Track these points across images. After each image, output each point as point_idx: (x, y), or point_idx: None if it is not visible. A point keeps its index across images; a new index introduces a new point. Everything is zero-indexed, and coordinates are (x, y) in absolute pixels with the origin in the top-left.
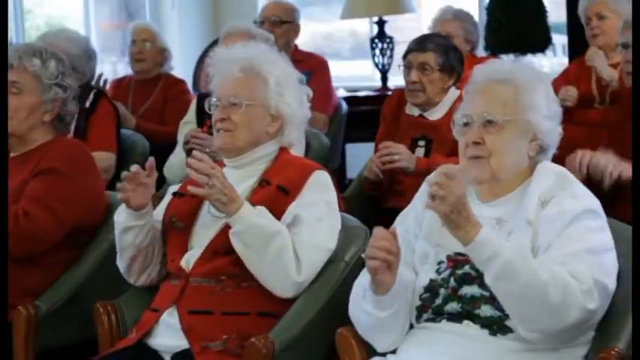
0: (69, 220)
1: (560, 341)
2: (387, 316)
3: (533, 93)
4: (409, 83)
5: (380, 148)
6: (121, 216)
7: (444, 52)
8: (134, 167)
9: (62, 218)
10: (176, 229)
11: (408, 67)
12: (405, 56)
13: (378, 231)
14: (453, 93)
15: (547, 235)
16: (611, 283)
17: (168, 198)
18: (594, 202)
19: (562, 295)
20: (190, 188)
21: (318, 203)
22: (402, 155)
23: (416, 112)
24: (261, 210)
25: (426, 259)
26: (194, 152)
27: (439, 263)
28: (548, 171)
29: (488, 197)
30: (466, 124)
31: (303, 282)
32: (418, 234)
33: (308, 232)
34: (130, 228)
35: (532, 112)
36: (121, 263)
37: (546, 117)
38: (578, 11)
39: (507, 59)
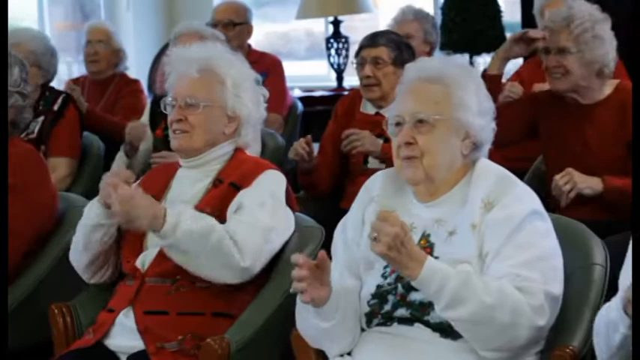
0: (28, 235)
1: (517, 355)
2: (332, 326)
3: (464, 90)
4: (363, 78)
5: (343, 136)
6: (92, 211)
7: (397, 47)
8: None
9: (22, 235)
10: (131, 231)
11: (361, 64)
12: (357, 54)
13: (296, 258)
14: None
15: (496, 241)
16: (560, 288)
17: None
18: (538, 203)
19: (510, 314)
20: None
21: (263, 193)
22: (365, 139)
23: (372, 110)
24: (184, 213)
25: (371, 265)
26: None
27: (384, 267)
28: (488, 172)
29: (426, 198)
30: (398, 124)
31: (250, 267)
32: (359, 241)
33: (245, 215)
34: (102, 225)
35: (463, 110)
36: (82, 259)
37: (478, 114)
38: (533, 11)
39: (437, 57)
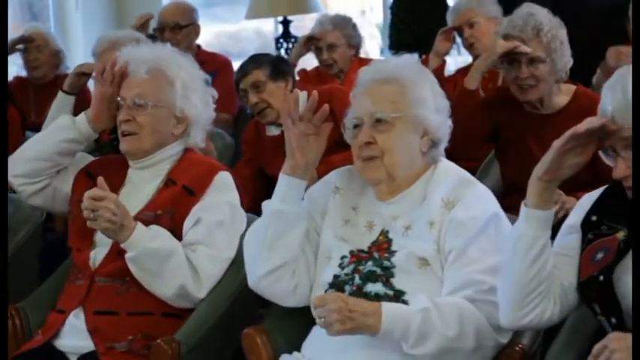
0: None
1: None
2: (284, 215)
3: (419, 88)
4: (252, 107)
5: None
6: (69, 131)
7: (268, 63)
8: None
9: None
10: (83, 218)
11: (245, 96)
12: (237, 88)
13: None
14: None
15: (460, 240)
16: None
17: (76, 167)
18: (497, 204)
19: (475, 340)
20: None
21: (221, 205)
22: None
23: (276, 130)
24: (156, 230)
25: (329, 254)
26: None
27: (342, 258)
28: (450, 172)
29: (386, 196)
30: (356, 126)
31: (204, 296)
32: (320, 229)
33: (206, 243)
34: (72, 129)
35: (420, 107)
36: (26, 154)
37: (434, 110)
38: (449, 23)
39: (390, 58)
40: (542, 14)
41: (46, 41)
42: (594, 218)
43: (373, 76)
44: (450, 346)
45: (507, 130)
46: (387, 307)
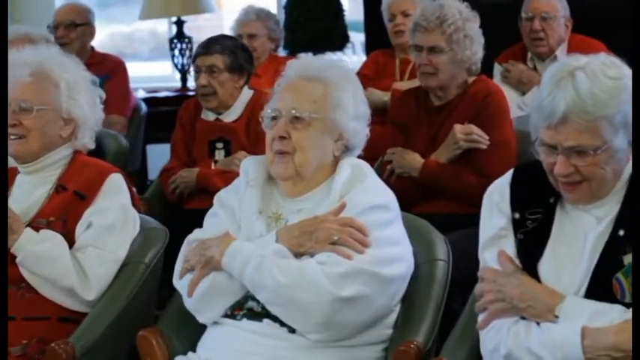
0: None
1: (348, 336)
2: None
3: (343, 92)
4: (200, 87)
5: (168, 184)
6: None
7: (231, 53)
8: None
9: None
10: None
11: (197, 72)
12: (193, 60)
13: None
14: (246, 93)
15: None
16: (388, 272)
17: None
18: (385, 198)
19: (311, 292)
20: None
21: (113, 208)
22: (181, 182)
23: (211, 116)
24: (44, 235)
25: None
26: None
27: None
28: (346, 166)
29: (293, 194)
30: (274, 118)
31: (95, 298)
32: (237, 229)
33: (96, 245)
34: None
35: (339, 112)
36: None
37: (353, 117)
38: (382, 7)
39: (319, 57)
40: (454, 6)
41: None
42: (517, 216)
43: (299, 72)
44: (283, 295)
45: (406, 121)
46: (237, 243)
